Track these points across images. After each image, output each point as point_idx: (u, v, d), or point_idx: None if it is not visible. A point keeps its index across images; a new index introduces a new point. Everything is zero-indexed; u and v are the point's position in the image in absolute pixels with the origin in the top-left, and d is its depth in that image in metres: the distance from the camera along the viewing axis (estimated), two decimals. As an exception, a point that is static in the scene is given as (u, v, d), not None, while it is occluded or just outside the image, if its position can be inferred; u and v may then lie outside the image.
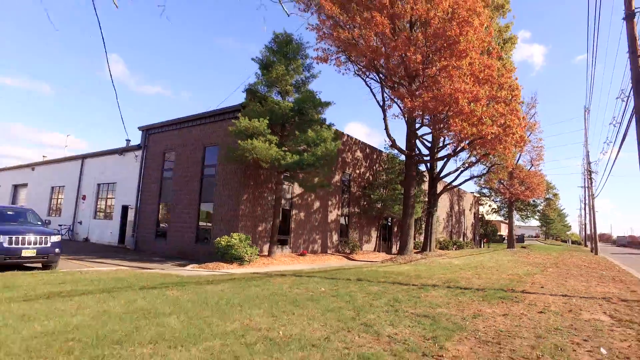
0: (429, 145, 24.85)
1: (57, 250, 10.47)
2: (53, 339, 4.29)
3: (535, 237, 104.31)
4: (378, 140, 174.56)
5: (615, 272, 16.61)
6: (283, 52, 15.21)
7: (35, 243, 9.98)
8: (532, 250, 39.49)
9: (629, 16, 10.45)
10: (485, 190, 46.86)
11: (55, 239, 10.53)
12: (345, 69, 21.02)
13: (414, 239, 32.36)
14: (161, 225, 18.60)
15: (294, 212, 18.05)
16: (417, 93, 15.03)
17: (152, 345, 4.25)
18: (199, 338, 4.55)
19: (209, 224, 16.51)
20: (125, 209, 20.48)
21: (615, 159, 22.18)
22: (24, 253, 9.76)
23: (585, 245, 68.04)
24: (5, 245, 9.50)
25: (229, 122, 15.71)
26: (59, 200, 25.99)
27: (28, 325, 4.80)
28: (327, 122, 15.59)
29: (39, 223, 11.60)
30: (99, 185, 22.79)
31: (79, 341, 4.26)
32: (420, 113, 17.74)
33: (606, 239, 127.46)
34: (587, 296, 9.31)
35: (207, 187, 16.87)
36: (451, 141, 19.91)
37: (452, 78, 13.55)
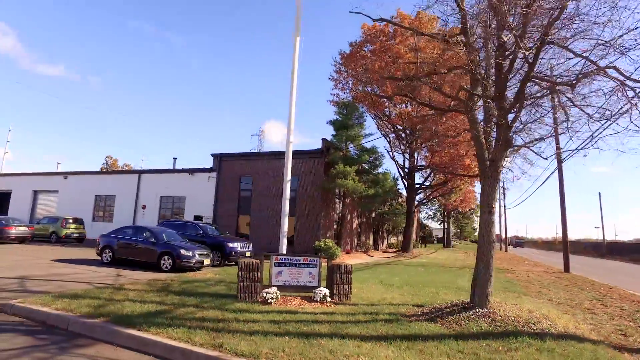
0: (406, 170, 34.08)
1: (252, 251, 16.82)
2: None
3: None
4: (297, 140, 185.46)
5: (533, 261, 27.29)
6: (350, 115, 22.79)
7: (248, 247, 16.29)
8: (462, 249, 51.49)
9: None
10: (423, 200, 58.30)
11: (250, 244, 16.87)
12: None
13: (392, 241, 41.64)
14: (239, 231, 24.55)
15: (342, 222, 25.58)
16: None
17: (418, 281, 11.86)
18: (422, 276, 12.24)
19: (288, 231, 23.20)
20: (197, 218, 25.81)
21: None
22: (247, 254, 16.05)
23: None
24: (239, 249, 15.72)
25: (308, 160, 22.77)
26: (107, 208, 29.64)
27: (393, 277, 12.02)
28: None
29: (225, 234, 17.62)
30: (161, 197, 27.52)
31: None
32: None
33: (500, 239, 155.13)
34: (535, 271, 18.70)
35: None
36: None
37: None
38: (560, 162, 21.19)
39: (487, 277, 6.30)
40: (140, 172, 28.78)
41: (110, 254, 13.73)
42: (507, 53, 5.90)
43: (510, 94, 6.76)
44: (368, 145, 24.90)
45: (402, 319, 6.32)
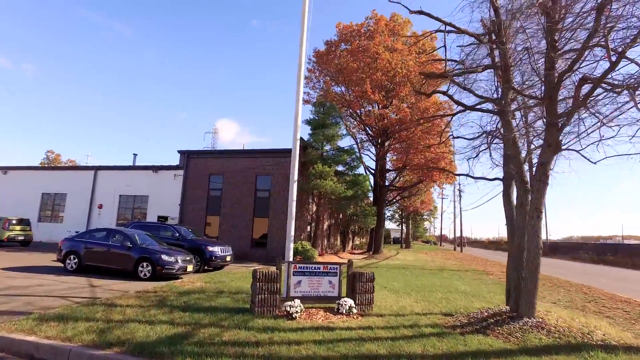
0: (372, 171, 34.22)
1: (232, 255, 15.74)
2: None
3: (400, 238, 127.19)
4: (249, 139, 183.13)
5: (494, 261, 28.46)
6: (328, 114, 22.30)
7: (228, 251, 15.21)
8: (420, 249, 52.98)
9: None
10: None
11: (230, 248, 15.78)
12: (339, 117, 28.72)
13: (356, 242, 41.73)
14: (206, 233, 23.13)
15: (313, 224, 24.97)
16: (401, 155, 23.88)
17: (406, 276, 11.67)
18: (416, 279, 12.09)
19: (262, 234, 22.24)
20: (162, 218, 24.00)
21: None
22: (227, 258, 14.97)
23: (441, 245, 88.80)
24: (220, 254, 14.62)
25: (282, 159, 21.97)
26: (56, 207, 26.76)
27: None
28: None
29: (203, 237, 16.32)
30: (120, 196, 25.31)
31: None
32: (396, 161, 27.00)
33: (445, 239, 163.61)
34: (499, 268, 19.33)
35: (259, 205, 22.49)
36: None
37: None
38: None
39: (534, 285, 6.06)
40: (97, 169, 26.24)
41: (76, 260, 12.10)
42: (559, 53, 5.69)
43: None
44: (344, 145, 24.64)
45: (449, 331, 5.90)
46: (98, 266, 11.96)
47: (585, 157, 5.79)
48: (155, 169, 24.83)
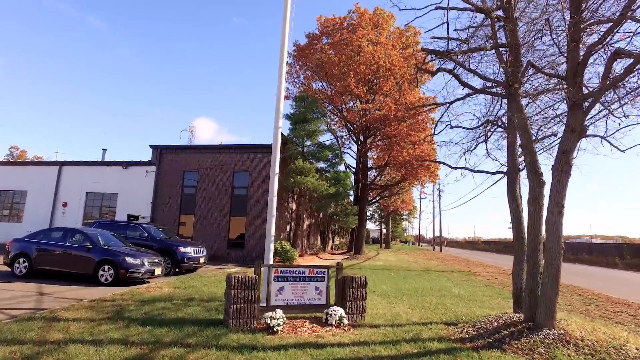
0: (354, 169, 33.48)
1: (206, 257, 14.57)
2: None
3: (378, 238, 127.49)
4: (227, 138, 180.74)
5: (475, 261, 28.21)
6: (310, 109, 21.37)
7: (201, 253, 14.04)
8: (400, 249, 52.78)
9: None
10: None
11: (204, 249, 14.61)
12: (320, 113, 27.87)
13: (336, 242, 40.96)
14: (179, 233, 21.76)
15: (293, 223, 23.95)
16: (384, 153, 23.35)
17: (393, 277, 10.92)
18: (404, 282, 11.35)
19: (239, 233, 21.07)
20: (132, 217, 22.44)
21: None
22: (201, 260, 13.80)
23: (419, 245, 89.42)
24: (193, 255, 13.43)
25: (260, 155, 20.89)
26: (15, 205, 24.74)
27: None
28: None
29: (174, 237, 15.08)
30: (87, 193, 23.57)
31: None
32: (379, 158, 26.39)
33: (422, 239, 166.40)
34: (492, 272, 18.90)
35: (236, 204, 21.31)
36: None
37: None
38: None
39: (555, 291, 5.28)
40: (61, 164, 24.35)
41: (26, 264, 10.71)
42: (586, 24, 4.96)
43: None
44: (324, 141, 23.78)
45: (459, 346, 5.07)
46: (53, 270, 10.60)
47: (612, 145, 5.08)
48: (126, 164, 23.23)
